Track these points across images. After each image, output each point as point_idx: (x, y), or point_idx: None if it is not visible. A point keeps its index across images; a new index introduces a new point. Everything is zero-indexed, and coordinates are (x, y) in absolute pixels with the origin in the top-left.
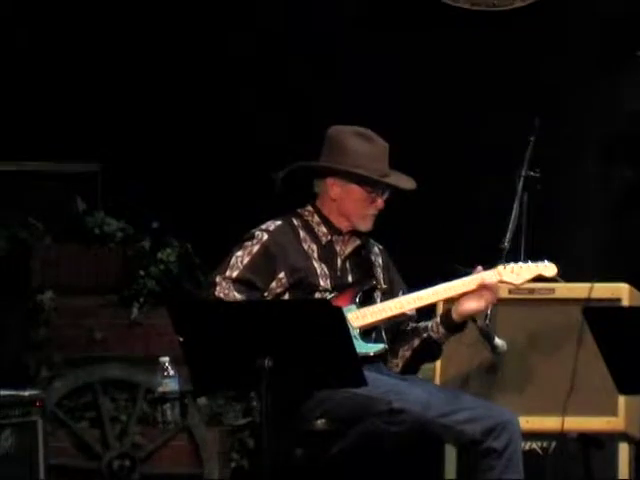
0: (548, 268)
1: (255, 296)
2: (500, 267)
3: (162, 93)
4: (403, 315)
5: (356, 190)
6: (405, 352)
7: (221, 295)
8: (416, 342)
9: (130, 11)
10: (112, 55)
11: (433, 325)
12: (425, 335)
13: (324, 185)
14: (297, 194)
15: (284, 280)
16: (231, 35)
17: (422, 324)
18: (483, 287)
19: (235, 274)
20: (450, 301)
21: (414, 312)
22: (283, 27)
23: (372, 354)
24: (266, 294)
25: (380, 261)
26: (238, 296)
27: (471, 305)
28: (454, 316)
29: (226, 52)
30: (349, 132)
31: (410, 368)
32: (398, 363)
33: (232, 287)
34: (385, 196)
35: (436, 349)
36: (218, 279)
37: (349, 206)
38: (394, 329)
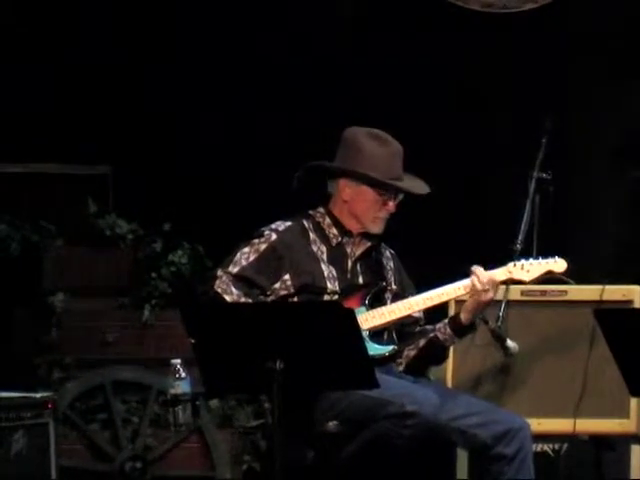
0: (558, 264)
1: (254, 294)
2: (510, 265)
3: (172, 95)
4: (409, 317)
5: (368, 192)
6: (410, 351)
7: (219, 290)
8: (422, 342)
9: (139, 13)
10: (123, 57)
11: (441, 326)
12: (432, 335)
13: (337, 186)
14: (311, 195)
15: (289, 282)
16: (233, 36)
17: (430, 326)
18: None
19: (236, 270)
20: (462, 301)
21: (421, 314)
22: (283, 27)
23: (382, 356)
24: (269, 294)
25: (391, 265)
26: (236, 292)
27: (472, 303)
28: (462, 316)
29: (229, 53)
30: (365, 134)
31: (413, 369)
32: (402, 362)
33: (231, 283)
34: (398, 199)
35: (441, 352)
36: (219, 273)
37: (360, 208)
38: (399, 331)
